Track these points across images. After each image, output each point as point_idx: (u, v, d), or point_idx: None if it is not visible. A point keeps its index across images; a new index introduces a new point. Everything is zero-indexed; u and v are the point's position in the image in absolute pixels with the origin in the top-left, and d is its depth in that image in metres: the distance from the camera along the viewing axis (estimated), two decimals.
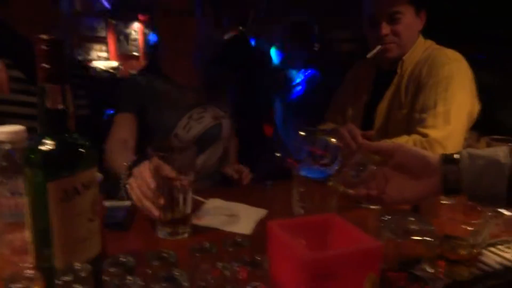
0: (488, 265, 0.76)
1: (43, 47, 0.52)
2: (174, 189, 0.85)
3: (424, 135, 1.35)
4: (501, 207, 0.79)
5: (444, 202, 1.08)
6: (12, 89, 1.34)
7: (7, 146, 0.63)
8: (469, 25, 1.97)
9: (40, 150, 0.53)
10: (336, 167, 0.89)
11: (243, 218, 0.94)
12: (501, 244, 0.83)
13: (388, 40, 1.47)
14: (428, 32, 1.56)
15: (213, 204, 1.03)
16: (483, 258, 0.77)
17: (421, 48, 1.52)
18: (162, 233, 0.87)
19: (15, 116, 1.32)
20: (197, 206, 1.02)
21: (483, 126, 1.65)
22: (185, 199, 0.87)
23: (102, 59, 6.03)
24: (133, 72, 6.02)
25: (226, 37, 3.39)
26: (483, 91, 1.53)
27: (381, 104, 1.56)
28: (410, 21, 1.47)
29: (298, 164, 0.89)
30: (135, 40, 6.21)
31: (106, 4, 5.87)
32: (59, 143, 0.54)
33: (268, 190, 1.23)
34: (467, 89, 1.42)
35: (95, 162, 0.59)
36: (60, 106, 0.53)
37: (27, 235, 0.61)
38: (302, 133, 0.93)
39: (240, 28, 6.64)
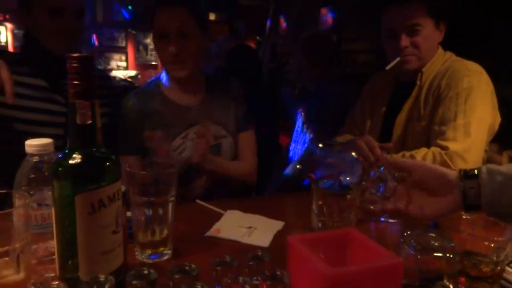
0: None
1: (74, 64, 0.54)
2: (156, 207, 0.80)
3: (444, 148, 1.34)
4: None
5: (465, 217, 1.07)
6: (36, 97, 1.39)
7: (36, 159, 0.66)
8: (489, 37, 1.95)
9: (69, 163, 0.55)
10: (355, 181, 0.89)
11: (261, 231, 0.94)
12: None
13: (408, 52, 1.46)
14: (448, 44, 1.55)
15: (232, 216, 1.04)
16: (506, 275, 0.76)
17: (441, 60, 1.51)
18: (141, 255, 0.82)
19: (39, 124, 1.36)
20: (216, 217, 1.03)
21: (505, 139, 1.63)
22: (166, 218, 0.82)
23: (121, 69, 6.16)
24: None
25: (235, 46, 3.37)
26: (505, 104, 1.51)
27: (399, 115, 1.55)
28: (429, 33, 1.46)
29: (317, 177, 0.90)
30: (153, 50, 6.33)
31: (126, 15, 6.00)
32: (87, 157, 0.56)
33: (285, 202, 1.23)
34: (487, 101, 1.40)
35: (119, 175, 0.61)
36: (89, 121, 0.55)
37: (52, 245, 0.62)
38: (321, 145, 0.94)
39: (258, 38, 6.69)
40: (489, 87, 1.42)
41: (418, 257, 0.68)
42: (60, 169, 0.56)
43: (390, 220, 1.05)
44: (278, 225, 0.99)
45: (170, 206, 0.81)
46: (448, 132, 1.36)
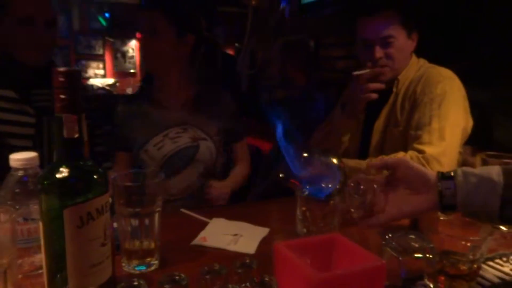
0: (487, 280, 0.78)
1: (60, 78, 0.54)
2: (142, 218, 0.80)
3: (421, 151, 1.38)
4: (494, 224, 0.82)
5: (443, 218, 1.11)
6: (6, 108, 1.37)
7: (20, 173, 0.66)
8: (461, 43, 2.03)
9: (57, 177, 0.55)
10: (337, 187, 0.91)
11: (246, 238, 0.95)
12: (499, 258, 0.85)
13: (382, 63, 1.51)
14: (421, 50, 1.61)
15: (217, 223, 1.05)
16: (483, 273, 0.79)
17: (415, 67, 1.57)
18: (128, 266, 0.82)
19: (8, 135, 1.35)
20: (201, 226, 1.04)
21: (477, 141, 1.70)
22: (152, 228, 0.83)
23: (99, 77, 6.09)
24: (129, 89, 6.05)
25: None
26: (476, 106, 1.57)
27: (377, 122, 1.59)
28: (402, 44, 1.51)
29: (301, 183, 0.91)
30: (132, 57, 6.29)
31: (103, 22, 5.95)
32: (74, 170, 0.56)
33: (269, 208, 1.25)
34: (460, 106, 1.46)
35: (107, 187, 0.61)
36: (76, 135, 0.56)
37: (38, 259, 0.62)
38: (305, 154, 0.96)
39: (236, 44, 6.72)
40: (461, 92, 1.48)
41: (400, 258, 0.71)
42: (47, 183, 0.56)
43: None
44: (263, 231, 1.00)
45: (156, 216, 0.82)
46: (424, 136, 1.40)
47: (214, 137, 1.53)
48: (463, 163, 1.64)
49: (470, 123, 1.52)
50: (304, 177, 0.89)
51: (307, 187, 0.90)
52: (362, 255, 0.63)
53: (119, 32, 6.05)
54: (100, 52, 6.06)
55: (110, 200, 0.71)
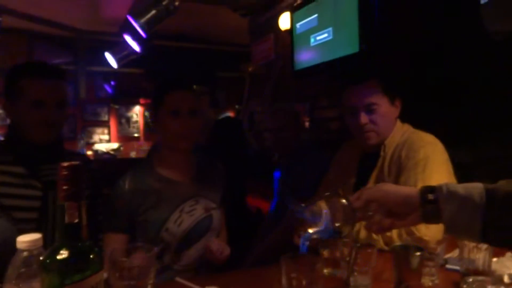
0: None
1: (64, 172, 0.63)
2: None
3: None
4: (477, 242, 0.86)
5: (426, 284, 1.15)
6: (15, 183, 1.43)
7: (26, 254, 0.73)
8: (443, 105, 2.15)
9: (58, 259, 0.63)
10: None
11: None
12: None
13: (367, 129, 1.62)
14: (406, 114, 1.72)
15: None
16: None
17: (400, 132, 1.67)
18: None
19: (14, 209, 1.40)
20: None
21: None
22: None
23: (104, 142, 6.28)
24: (133, 153, 6.18)
25: (220, 117, 3.59)
26: (459, 168, 1.64)
27: (368, 185, 1.66)
28: (386, 110, 1.63)
29: (303, 238, 0.97)
30: (135, 122, 6.51)
31: (109, 90, 6.23)
32: (73, 252, 0.64)
33: (263, 275, 1.28)
34: (443, 168, 1.54)
35: (102, 265, 0.68)
36: (76, 220, 0.63)
37: None
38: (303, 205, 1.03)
39: (237, 106, 6.94)
40: (444, 156, 1.56)
41: None
42: (49, 263, 0.63)
43: None
44: None
45: None
46: None
47: (219, 204, 1.62)
48: None
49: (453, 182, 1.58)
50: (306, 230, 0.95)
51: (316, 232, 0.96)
52: None
53: (124, 99, 6.33)
54: (106, 118, 6.30)
55: (105, 275, 0.77)
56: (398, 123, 1.70)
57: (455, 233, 0.86)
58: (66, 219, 0.63)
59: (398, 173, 1.57)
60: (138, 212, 1.47)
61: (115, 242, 1.45)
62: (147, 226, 1.46)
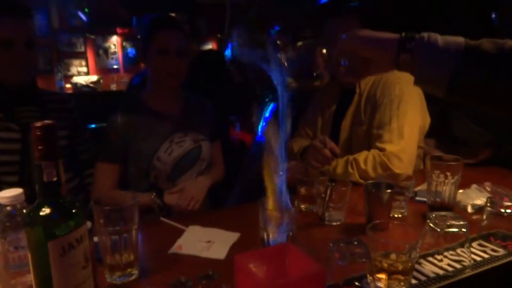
0: (424, 274, 0.90)
1: (37, 132, 0.64)
2: (121, 234, 0.90)
3: (382, 149, 1.50)
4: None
5: (396, 215, 1.23)
6: None
7: (9, 208, 0.75)
8: None
9: (40, 215, 0.65)
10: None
11: (218, 244, 1.06)
12: (436, 254, 0.97)
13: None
14: None
15: (193, 231, 1.15)
16: (420, 268, 0.92)
17: None
18: (111, 277, 0.92)
19: None
20: (179, 233, 1.14)
21: (439, 134, 1.82)
22: (131, 243, 0.92)
23: (82, 74, 6.09)
24: (113, 85, 6.05)
25: (202, 47, 3.48)
26: (436, 103, 1.68)
27: (344, 121, 1.70)
28: None
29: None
30: (114, 53, 6.28)
31: (84, 18, 5.90)
32: (55, 208, 0.66)
33: (243, 213, 1.35)
34: (417, 105, 1.58)
35: (85, 219, 0.71)
36: (55, 178, 0.65)
37: (29, 279, 0.72)
38: None
39: (218, 35, 6.72)
40: (418, 93, 1.59)
41: (346, 264, 0.82)
42: (32, 220, 0.66)
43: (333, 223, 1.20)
44: (233, 237, 1.11)
45: (134, 232, 0.92)
46: (385, 135, 1.52)
47: (208, 138, 1.72)
48: (425, 155, 1.76)
49: (427, 120, 1.63)
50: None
51: None
52: (307, 262, 0.74)
53: (100, 29, 6.03)
54: (82, 49, 6.04)
55: (89, 225, 0.81)
56: None
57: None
58: (45, 178, 0.65)
59: (373, 110, 1.61)
60: (131, 143, 1.57)
61: (107, 170, 1.58)
62: (140, 156, 1.57)
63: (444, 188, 1.21)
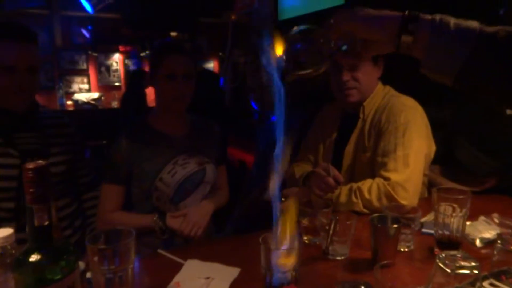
0: None
1: (29, 174, 0.61)
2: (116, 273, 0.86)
3: (387, 179, 1.46)
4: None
5: (402, 250, 1.19)
6: None
7: None
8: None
9: (30, 262, 0.62)
10: None
11: (217, 281, 1.02)
12: None
13: (349, 86, 1.60)
14: (387, 75, 1.69)
15: (191, 266, 1.11)
16: None
17: (381, 94, 1.65)
18: None
19: None
20: (177, 268, 1.10)
21: (443, 161, 1.78)
22: (126, 282, 0.87)
23: (84, 91, 6.10)
24: (114, 103, 6.05)
25: (203, 65, 3.49)
26: (440, 128, 1.65)
27: (348, 146, 1.67)
28: (368, 69, 1.60)
29: None
30: (116, 70, 6.31)
31: (87, 35, 5.95)
32: (46, 254, 0.63)
33: (242, 246, 1.30)
34: (423, 133, 1.54)
35: (77, 264, 0.67)
36: (46, 223, 0.62)
37: None
38: None
39: (220, 54, 6.77)
40: (424, 120, 1.56)
41: None
42: (22, 266, 0.62)
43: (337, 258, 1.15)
44: (233, 272, 1.07)
45: (129, 271, 0.88)
46: (389, 163, 1.48)
47: (213, 160, 1.70)
48: (429, 183, 1.72)
49: (433, 148, 1.60)
50: None
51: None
52: None
53: (102, 46, 6.07)
54: (84, 66, 6.06)
55: (83, 266, 0.78)
56: (380, 84, 1.68)
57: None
58: (36, 222, 0.61)
59: (377, 137, 1.58)
60: (134, 165, 1.56)
61: (111, 192, 1.58)
62: (143, 177, 1.56)
63: (452, 220, 1.17)
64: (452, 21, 0.77)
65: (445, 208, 1.17)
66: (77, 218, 1.71)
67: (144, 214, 1.56)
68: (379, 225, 1.10)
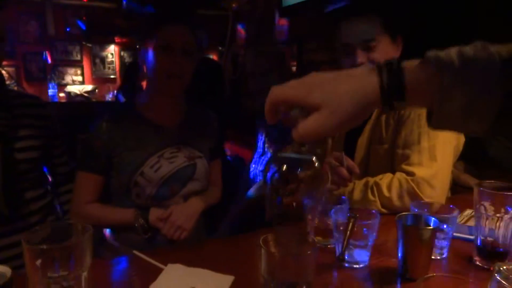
0: None
1: None
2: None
3: (410, 174, 1.25)
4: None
5: (433, 257, 0.97)
6: None
7: None
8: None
9: None
10: None
11: None
12: None
13: None
14: (407, 57, 1.47)
15: (172, 272, 0.88)
16: None
17: None
18: None
19: None
20: (155, 273, 0.87)
21: (471, 156, 1.57)
22: None
23: (77, 83, 5.87)
24: (109, 96, 5.84)
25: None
26: None
27: (361, 138, 1.46)
28: (386, 48, 1.38)
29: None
30: (111, 62, 6.09)
31: (82, 26, 5.72)
32: None
33: (236, 248, 1.08)
34: None
35: None
36: None
37: None
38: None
39: (220, 48, 6.60)
40: None
41: None
42: None
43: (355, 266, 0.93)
44: (226, 281, 0.84)
45: (83, 279, 0.65)
46: (413, 156, 1.27)
47: (206, 155, 1.49)
48: (454, 181, 1.51)
49: (462, 139, 1.38)
50: None
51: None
52: None
53: (97, 37, 5.84)
54: (78, 57, 5.82)
55: (10, 272, 0.55)
56: None
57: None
58: None
59: (397, 126, 1.36)
60: (114, 153, 1.35)
61: (88, 181, 1.37)
62: (121, 169, 1.35)
63: (497, 224, 0.95)
64: (453, 54, 0.57)
65: (488, 207, 0.95)
66: (50, 213, 1.50)
67: (124, 208, 1.33)
68: (410, 226, 0.88)
